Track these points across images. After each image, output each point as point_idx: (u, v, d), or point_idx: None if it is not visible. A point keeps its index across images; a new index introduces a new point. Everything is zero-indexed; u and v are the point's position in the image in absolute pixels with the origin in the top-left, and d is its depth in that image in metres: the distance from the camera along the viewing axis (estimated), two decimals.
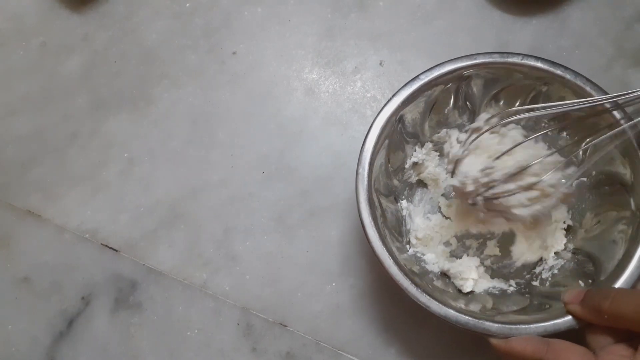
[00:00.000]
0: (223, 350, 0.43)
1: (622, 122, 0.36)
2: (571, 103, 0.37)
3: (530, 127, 0.41)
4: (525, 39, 0.48)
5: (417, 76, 0.39)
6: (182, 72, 0.50)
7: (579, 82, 0.38)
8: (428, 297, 0.34)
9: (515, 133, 0.37)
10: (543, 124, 0.41)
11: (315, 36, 0.51)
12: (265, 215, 0.46)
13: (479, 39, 0.48)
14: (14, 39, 0.53)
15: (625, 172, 0.37)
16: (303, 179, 0.46)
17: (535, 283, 0.39)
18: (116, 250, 0.46)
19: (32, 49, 0.53)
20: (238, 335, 0.43)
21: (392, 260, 0.35)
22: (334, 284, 0.43)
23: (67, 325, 0.44)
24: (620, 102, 0.36)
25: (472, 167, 0.36)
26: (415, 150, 0.43)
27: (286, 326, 0.43)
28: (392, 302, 0.42)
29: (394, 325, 0.42)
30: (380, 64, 0.49)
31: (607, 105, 0.36)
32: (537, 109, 0.38)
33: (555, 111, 0.37)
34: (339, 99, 0.49)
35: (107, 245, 0.46)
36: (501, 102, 0.42)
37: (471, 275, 0.39)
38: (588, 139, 0.38)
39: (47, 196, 0.48)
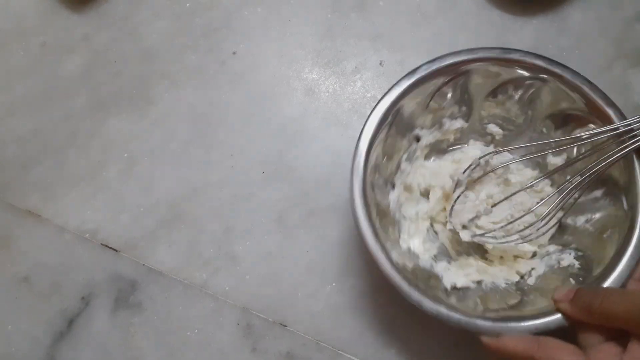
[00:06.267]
0: (223, 350, 0.42)
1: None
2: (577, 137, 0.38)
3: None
4: (525, 39, 0.48)
5: (418, 68, 0.39)
6: (182, 72, 0.50)
7: (577, 81, 0.38)
8: (420, 294, 0.34)
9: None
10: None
11: (315, 36, 0.51)
12: (265, 215, 0.45)
13: (479, 38, 0.48)
14: (14, 39, 0.53)
15: (620, 174, 0.37)
16: (303, 179, 0.46)
17: (527, 280, 0.39)
18: (116, 250, 0.46)
19: (32, 49, 0.53)
20: (238, 335, 0.43)
21: (385, 257, 0.35)
22: (334, 284, 0.43)
23: (67, 325, 0.44)
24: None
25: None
26: (411, 144, 0.43)
27: (286, 326, 0.43)
28: (392, 302, 0.42)
29: (394, 325, 0.42)
30: (380, 64, 0.49)
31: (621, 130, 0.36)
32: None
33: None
34: (339, 99, 0.49)
35: (107, 245, 0.46)
36: (499, 98, 0.42)
37: (458, 281, 0.39)
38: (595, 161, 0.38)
39: (47, 196, 0.48)
